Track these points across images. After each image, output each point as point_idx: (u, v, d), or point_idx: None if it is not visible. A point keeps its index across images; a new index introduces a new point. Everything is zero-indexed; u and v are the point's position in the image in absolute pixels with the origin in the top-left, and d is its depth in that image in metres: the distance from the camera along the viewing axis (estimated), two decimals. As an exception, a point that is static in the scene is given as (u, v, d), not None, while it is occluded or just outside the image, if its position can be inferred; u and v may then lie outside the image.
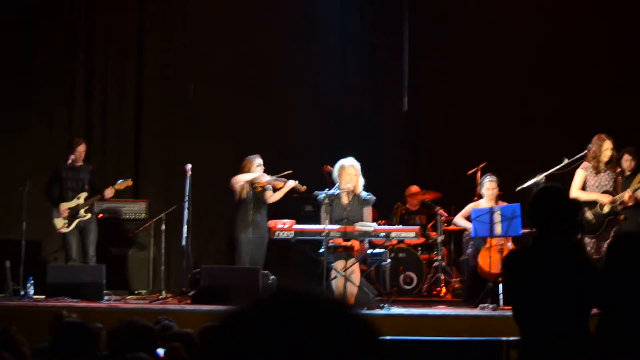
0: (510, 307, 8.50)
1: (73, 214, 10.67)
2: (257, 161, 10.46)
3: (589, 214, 9.22)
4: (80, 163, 10.86)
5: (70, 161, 10.81)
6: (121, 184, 10.75)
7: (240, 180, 10.37)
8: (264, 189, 10.43)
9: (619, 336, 4.34)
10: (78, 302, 9.36)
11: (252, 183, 10.39)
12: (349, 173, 9.46)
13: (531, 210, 4.54)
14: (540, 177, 9.38)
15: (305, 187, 10.24)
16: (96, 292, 9.71)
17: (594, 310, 4.46)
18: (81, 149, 10.84)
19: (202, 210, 11.55)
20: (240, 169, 10.52)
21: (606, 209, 9.23)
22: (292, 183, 10.24)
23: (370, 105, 13.14)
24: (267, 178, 10.39)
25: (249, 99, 12.98)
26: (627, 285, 4.34)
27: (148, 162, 12.74)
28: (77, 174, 10.83)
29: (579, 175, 9.46)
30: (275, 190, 10.45)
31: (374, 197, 9.60)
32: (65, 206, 10.67)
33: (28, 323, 7.44)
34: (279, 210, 10.67)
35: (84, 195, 10.73)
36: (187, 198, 10.38)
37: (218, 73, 12.94)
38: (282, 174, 10.39)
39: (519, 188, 9.63)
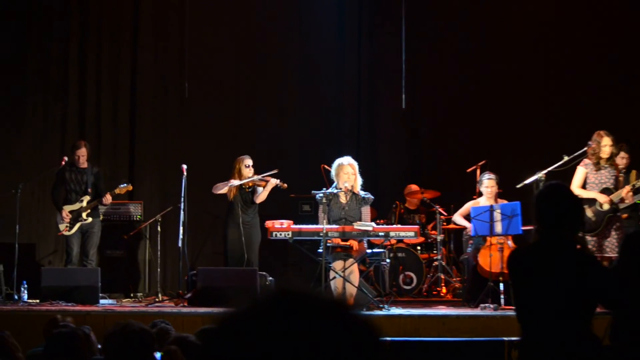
0: (511, 307, 8.56)
1: (75, 217, 10.62)
2: (246, 162, 10.47)
3: (588, 212, 9.19)
4: (84, 165, 10.78)
5: (63, 163, 10.77)
6: (121, 188, 10.70)
7: (219, 188, 10.40)
8: (252, 189, 10.44)
9: (633, 338, 4.31)
10: (73, 305, 9.35)
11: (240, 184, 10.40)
12: (346, 172, 9.43)
13: (537, 208, 4.52)
14: (540, 175, 9.35)
15: (286, 184, 10.24)
16: (91, 295, 9.69)
17: (598, 309, 4.44)
18: (81, 152, 10.72)
19: (198, 211, 11.56)
20: (232, 169, 10.56)
21: (606, 207, 9.20)
22: (274, 181, 10.24)
23: (368, 103, 13.11)
24: (245, 180, 10.37)
25: (244, 97, 12.97)
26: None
27: (143, 162, 12.72)
28: (81, 176, 10.74)
29: (579, 172, 9.43)
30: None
31: (373, 197, 9.58)
32: (67, 209, 10.63)
33: (22, 328, 7.44)
34: (277, 210, 10.67)
35: (86, 198, 10.66)
36: (182, 199, 10.37)
37: (213, 71, 12.92)
38: (267, 173, 10.37)
39: (519, 185, 9.60)
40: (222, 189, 10.39)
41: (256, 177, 10.36)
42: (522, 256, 4.63)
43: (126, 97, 12.76)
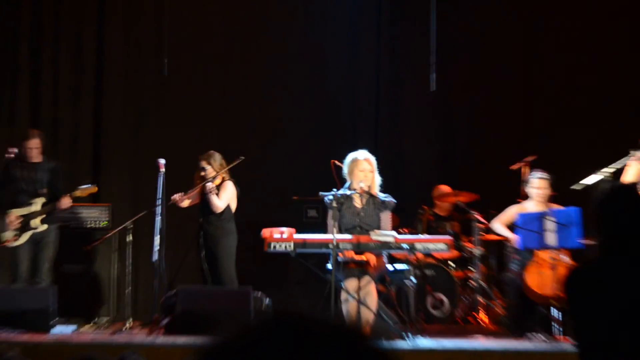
0: (567, 339, 8.51)
1: (25, 223, 10.56)
2: (200, 164, 10.61)
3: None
4: (38, 159, 10.72)
5: (12, 156, 10.65)
6: (83, 189, 10.68)
7: (180, 203, 10.64)
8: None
9: None
10: (21, 334, 9.28)
11: (202, 190, 10.56)
12: (362, 169, 9.43)
13: (600, 215, 4.45)
14: (604, 173, 9.31)
15: (214, 188, 10.35)
16: (44, 321, 9.64)
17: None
18: (34, 143, 10.66)
19: (179, 217, 11.51)
20: None
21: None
22: (208, 185, 10.41)
23: (388, 84, 13.07)
24: (189, 193, 10.63)
25: (237, 77, 12.93)
26: None
27: (111, 156, 12.73)
28: (34, 173, 10.67)
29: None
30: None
31: (394, 200, 9.56)
32: (15, 214, 10.54)
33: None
34: (276, 216, 10.63)
35: (40, 200, 10.60)
36: (159, 201, 10.34)
37: (199, 46, 12.91)
38: (230, 164, 10.45)
39: (576, 186, 9.56)
40: (183, 202, 10.65)
41: (210, 180, 10.45)
42: (585, 277, 4.53)
43: (90, 76, 12.76)
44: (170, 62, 12.36)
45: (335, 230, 9.17)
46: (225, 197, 10.52)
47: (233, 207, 10.61)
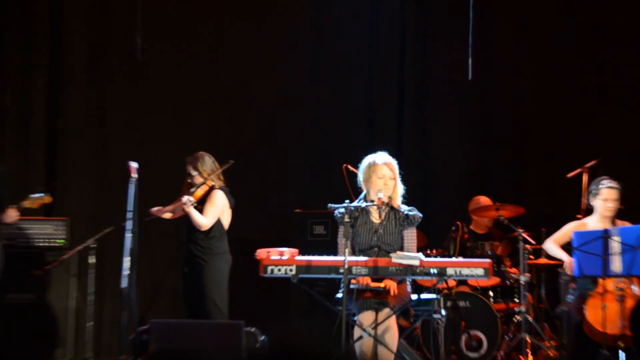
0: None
1: (-38, 242, 10.52)
2: (187, 169, 10.49)
3: None
4: None
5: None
6: (34, 199, 10.58)
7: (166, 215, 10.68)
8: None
9: None
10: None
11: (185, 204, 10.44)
12: (381, 175, 9.29)
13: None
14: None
15: (188, 202, 10.20)
16: (-17, 361, 9.60)
17: None
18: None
19: (154, 234, 11.48)
20: None
21: None
22: (183, 199, 10.26)
23: (415, 72, 13.08)
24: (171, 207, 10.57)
25: (228, 62, 12.94)
26: None
27: (69, 160, 12.68)
28: None
29: None
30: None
31: (421, 214, 9.39)
32: (-50, 231, 10.51)
33: None
34: (275, 233, 10.49)
35: (-20, 214, 10.57)
36: (130, 215, 10.17)
37: (182, 24, 12.91)
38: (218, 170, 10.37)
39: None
40: (165, 214, 10.62)
41: (194, 190, 10.37)
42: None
43: (44, 58, 12.70)
44: (144, 43, 12.19)
45: (347, 251, 8.97)
46: (212, 211, 10.35)
47: (225, 221, 10.45)
